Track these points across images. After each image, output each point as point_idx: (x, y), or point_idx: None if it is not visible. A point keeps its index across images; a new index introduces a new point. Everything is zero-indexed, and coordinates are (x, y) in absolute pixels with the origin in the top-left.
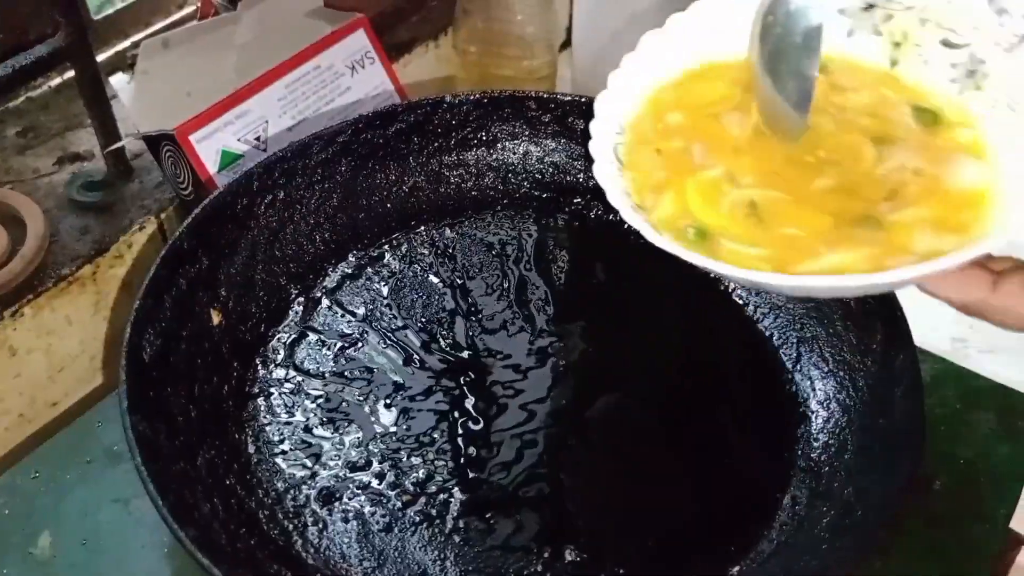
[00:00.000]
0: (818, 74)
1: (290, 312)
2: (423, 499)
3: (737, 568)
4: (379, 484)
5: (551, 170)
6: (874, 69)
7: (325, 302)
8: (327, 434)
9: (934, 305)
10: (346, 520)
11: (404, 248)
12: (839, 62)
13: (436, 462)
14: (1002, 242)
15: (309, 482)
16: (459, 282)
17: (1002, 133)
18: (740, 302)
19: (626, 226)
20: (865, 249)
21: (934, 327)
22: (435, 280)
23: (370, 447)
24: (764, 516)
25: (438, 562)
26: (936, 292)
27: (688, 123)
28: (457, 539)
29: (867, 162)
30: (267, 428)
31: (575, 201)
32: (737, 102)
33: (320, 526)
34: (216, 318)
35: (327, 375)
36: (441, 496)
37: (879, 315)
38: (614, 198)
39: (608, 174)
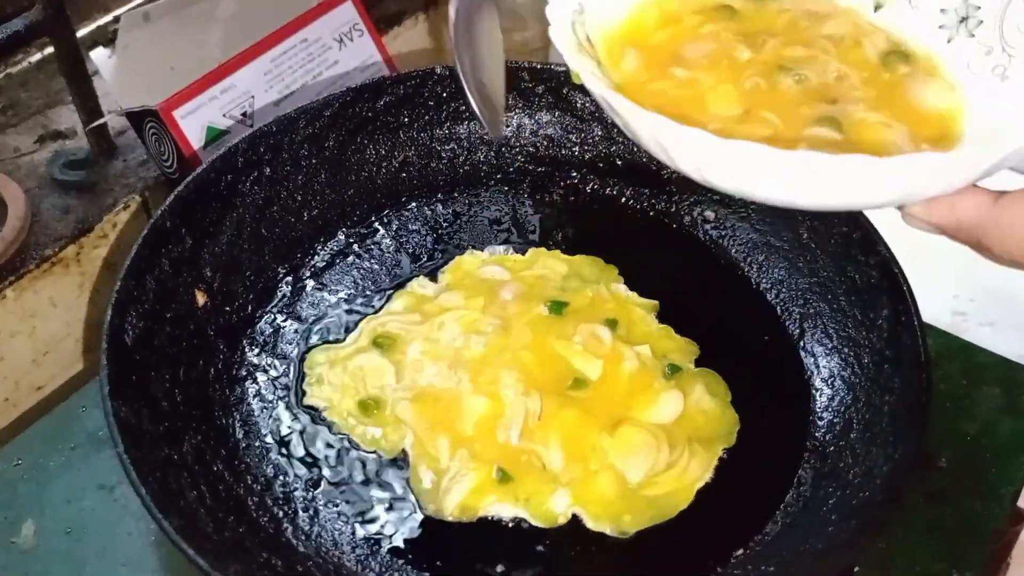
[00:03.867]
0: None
1: (277, 292)
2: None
3: (741, 551)
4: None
5: (545, 143)
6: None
7: (312, 282)
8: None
9: (932, 278)
10: (337, 505)
11: (395, 225)
12: None
13: None
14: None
15: (300, 468)
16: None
17: (982, 88)
18: (741, 276)
19: (623, 200)
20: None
21: (933, 300)
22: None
23: None
24: (769, 498)
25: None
26: (926, 216)
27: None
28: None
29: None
30: (255, 412)
31: (571, 175)
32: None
33: (311, 512)
34: (201, 299)
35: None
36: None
37: (885, 290)
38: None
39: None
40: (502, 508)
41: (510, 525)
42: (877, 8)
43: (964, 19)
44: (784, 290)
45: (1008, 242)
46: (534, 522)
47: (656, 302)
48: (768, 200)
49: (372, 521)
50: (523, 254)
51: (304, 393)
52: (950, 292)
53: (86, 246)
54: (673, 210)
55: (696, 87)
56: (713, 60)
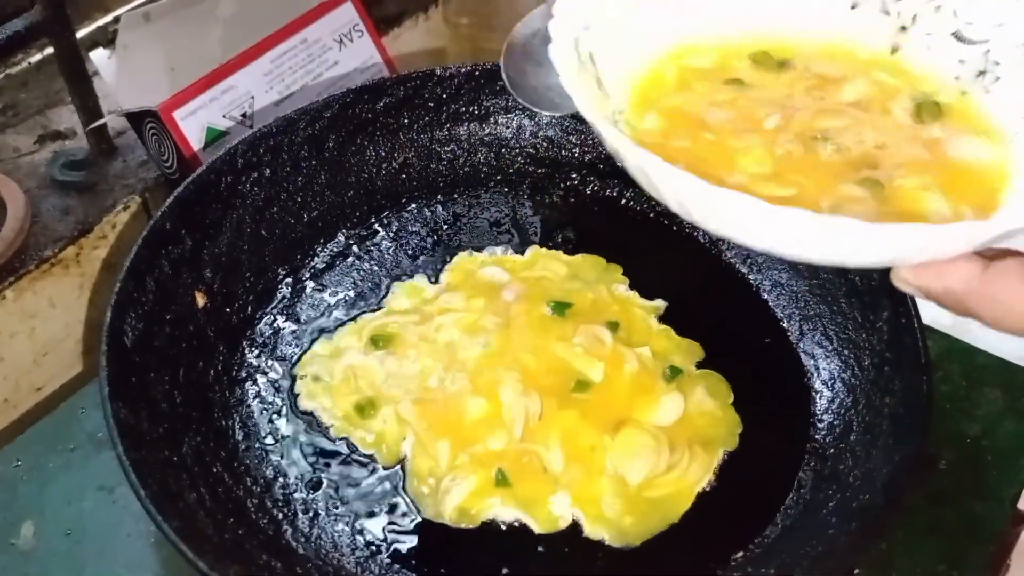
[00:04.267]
0: None
1: (277, 293)
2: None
3: (741, 554)
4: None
5: (545, 145)
6: (869, 54)
7: (312, 283)
8: None
9: None
10: (337, 507)
11: (395, 226)
12: (829, 48)
13: None
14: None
15: (299, 469)
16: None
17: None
18: (742, 278)
19: (623, 201)
20: (865, 207)
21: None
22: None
23: None
24: (769, 500)
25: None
26: (913, 280)
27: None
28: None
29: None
30: (255, 414)
31: (571, 176)
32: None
33: (311, 514)
34: (201, 300)
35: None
36: None
37: (885, 291)
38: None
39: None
40: (502, 511)
41: (510, 528)
42: (894, 51)
43: (982, 72)
44: (784, 292)
45: (996, 311)
46: (534, 525)
47: (660, 303)
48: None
49: (372, 524)
50: (523, 255)
51: (298, 396)
52: None
53: (86, 247)
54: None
55: (724, 147)
56: (738, 126)
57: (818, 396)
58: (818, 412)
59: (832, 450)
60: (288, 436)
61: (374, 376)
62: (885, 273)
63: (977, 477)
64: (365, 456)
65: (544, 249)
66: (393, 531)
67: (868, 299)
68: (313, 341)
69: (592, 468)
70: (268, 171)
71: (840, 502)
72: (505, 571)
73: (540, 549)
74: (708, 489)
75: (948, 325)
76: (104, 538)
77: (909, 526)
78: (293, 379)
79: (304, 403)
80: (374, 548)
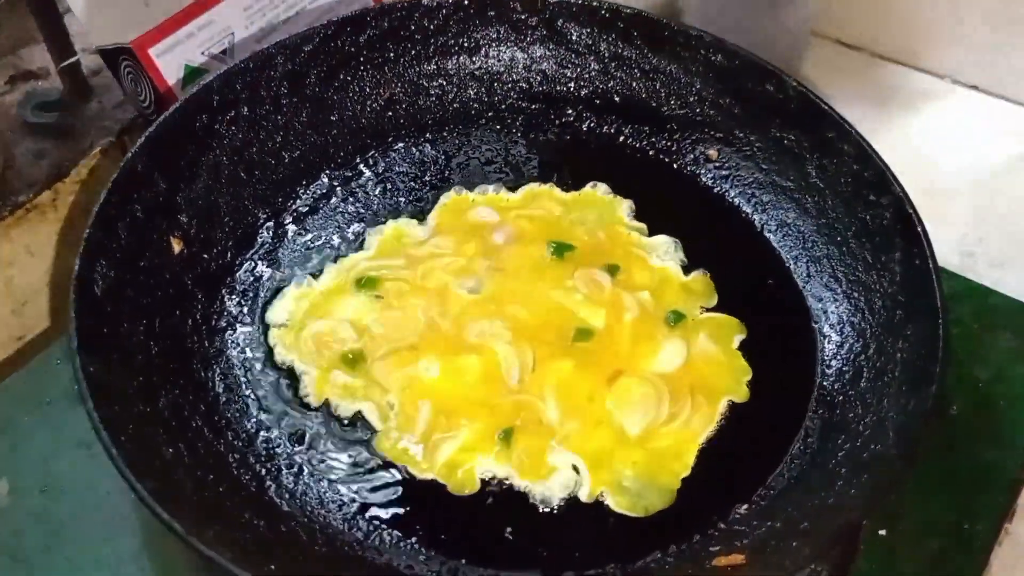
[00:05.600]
0: None
1: (258, 238)
2: None
3: (745, 507)
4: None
5: (539, 79)
6: None
7: (294, 227)
8: None
9: (941, 217)
10: (323, 463)
11: (381, 167)
12: None
13: None
14: None
15: (283, 422)
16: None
17: None
18: (746, 217)
19: (621, 139)
20: None
21: (942, 241)
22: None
23: None
24: (774, 450)
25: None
26: None
27: None
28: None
29: None
30: (235, 365)
31: (566, 113)
32: None
33: (295, 470)
34: (177, 246)
35: None
36: None
37: (898, 231)
38: None
39: None
40: (496, 467)
41: (507, 488)
42: None
43: None
44: (791, 232)
45: None
46: (530, 481)
47: (664, 240)
48: None
49: (359, 480)
50: (516, 194)
51: (276, 347)
52: (959, 232)
53: (62, 192)
54: (674, 148)
55: None
56: None
57: (826, 341)
58: (826, 358)
59: (841, 397)
60: (270, 388)
61: (358, 325)
62: (897, 211)
63: (990, 424)
64: (350, 408)
65: (539, 186)
66: (381, 487)
67: (879, 239)
68: (295, 287)
69: (590, 419)
70: (246, 109)
71: (849, 452)
72: (509, 530)
73: (541, 509)
74: (711, 439)
75: (957, 265)
76: (82, 496)
77: (918, 475)
78: (270, 327)
79: (285, 354)
80: (361, 506)
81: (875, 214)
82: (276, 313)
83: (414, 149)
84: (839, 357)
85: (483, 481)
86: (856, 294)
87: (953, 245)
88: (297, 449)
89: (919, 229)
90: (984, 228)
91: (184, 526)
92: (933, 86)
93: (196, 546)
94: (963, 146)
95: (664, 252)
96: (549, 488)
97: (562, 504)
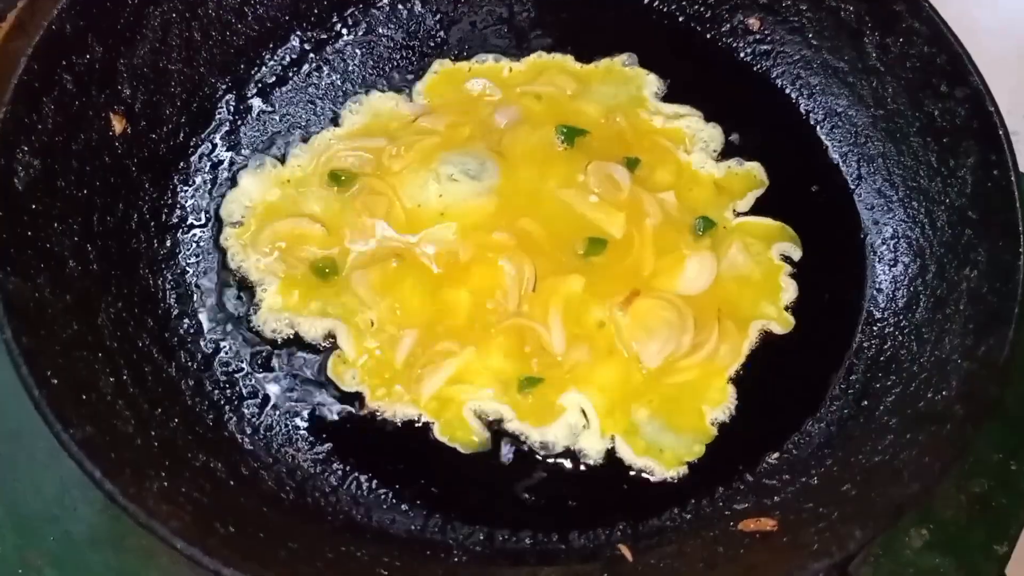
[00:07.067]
0: None
1: (216, 115)
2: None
3: (776, 455)
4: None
5: None
6: None
7: (259, 101)
8: None
9: None
10: (293, 392)
11: (362, 28)
12: None
13: None
14: None
15: (244, 342)
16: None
17: None
18: (791, 104)
19: (655, 3)
20: None
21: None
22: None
23: None
24: (811, 388)
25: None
26: None
27: None
28: None
29: None
30: (189, 271)
31: None
32: None
33: (259, 399)
34: (118, 125)
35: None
36: None
37: (972, 131)
38: None
39: None
40: (492, 405)
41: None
42: None
43: None
44: (841, 124)
45: None
46: (527, 423)
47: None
48: None
49: (333, 416)
50: (520, 64)
51: (230, 251)
52: None
53: None
54: (709, 15)
55: None
56: None
57: (877, 259)
58: (876, 279)
59: (891, 328)
60: (231, 300)
61: (331, 226)
62: (975, 106)
63: None
64: (323, 327)
65: (549, 56)
66: (357, 425)
67: (949, 139)
68: (254, 174)
69: (601, 349)
70: None
71: (900, 398)
72: (505, 481)
73: (541, 456)
74: (739, 373)
75: None
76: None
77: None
78: (224, 224)
79: (241, 259)
80: (335, 446)
81: (946, 108)
82: (231, 207)
83: (400, 6)
84: (891, 279)
85: (476, 421)
86: (915, 204)
87: None
88: (262, 375)
89: (1000, 132)
90: None
91: (119, 486)
92: None
93: (135, 514)
94: None
95: (692, 142)
96: (552, 432)
97: (566, 451)
